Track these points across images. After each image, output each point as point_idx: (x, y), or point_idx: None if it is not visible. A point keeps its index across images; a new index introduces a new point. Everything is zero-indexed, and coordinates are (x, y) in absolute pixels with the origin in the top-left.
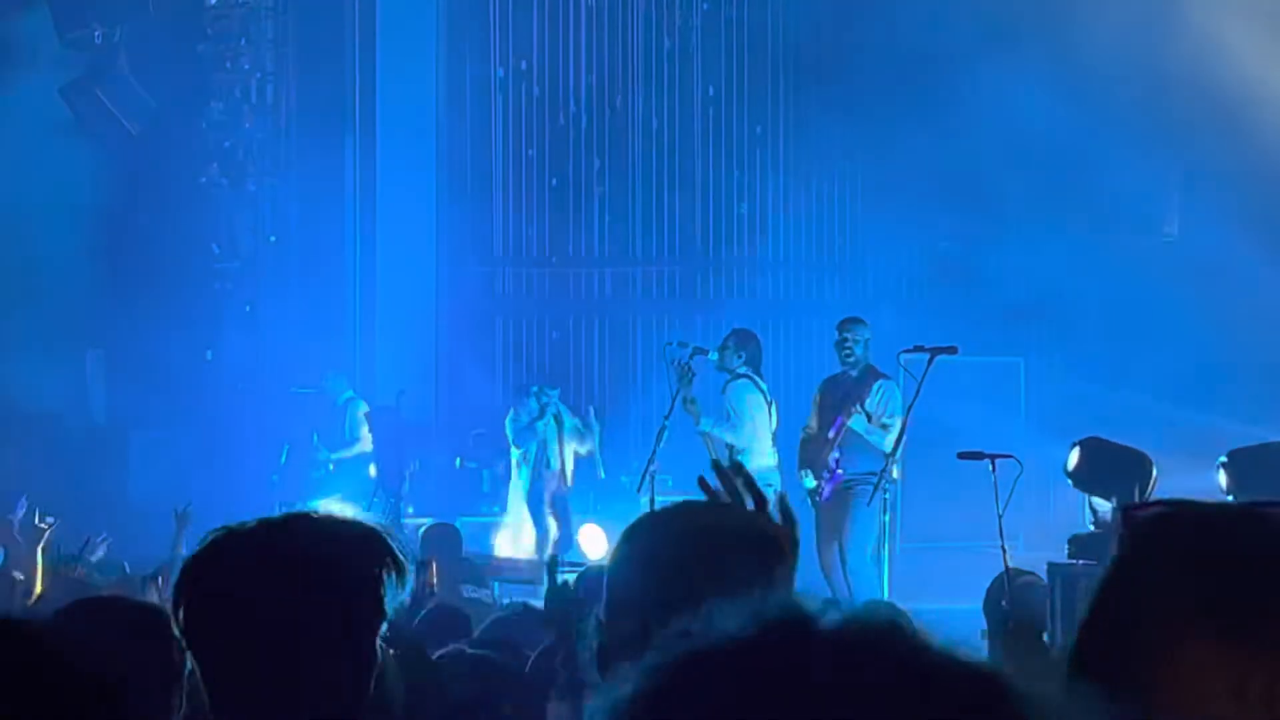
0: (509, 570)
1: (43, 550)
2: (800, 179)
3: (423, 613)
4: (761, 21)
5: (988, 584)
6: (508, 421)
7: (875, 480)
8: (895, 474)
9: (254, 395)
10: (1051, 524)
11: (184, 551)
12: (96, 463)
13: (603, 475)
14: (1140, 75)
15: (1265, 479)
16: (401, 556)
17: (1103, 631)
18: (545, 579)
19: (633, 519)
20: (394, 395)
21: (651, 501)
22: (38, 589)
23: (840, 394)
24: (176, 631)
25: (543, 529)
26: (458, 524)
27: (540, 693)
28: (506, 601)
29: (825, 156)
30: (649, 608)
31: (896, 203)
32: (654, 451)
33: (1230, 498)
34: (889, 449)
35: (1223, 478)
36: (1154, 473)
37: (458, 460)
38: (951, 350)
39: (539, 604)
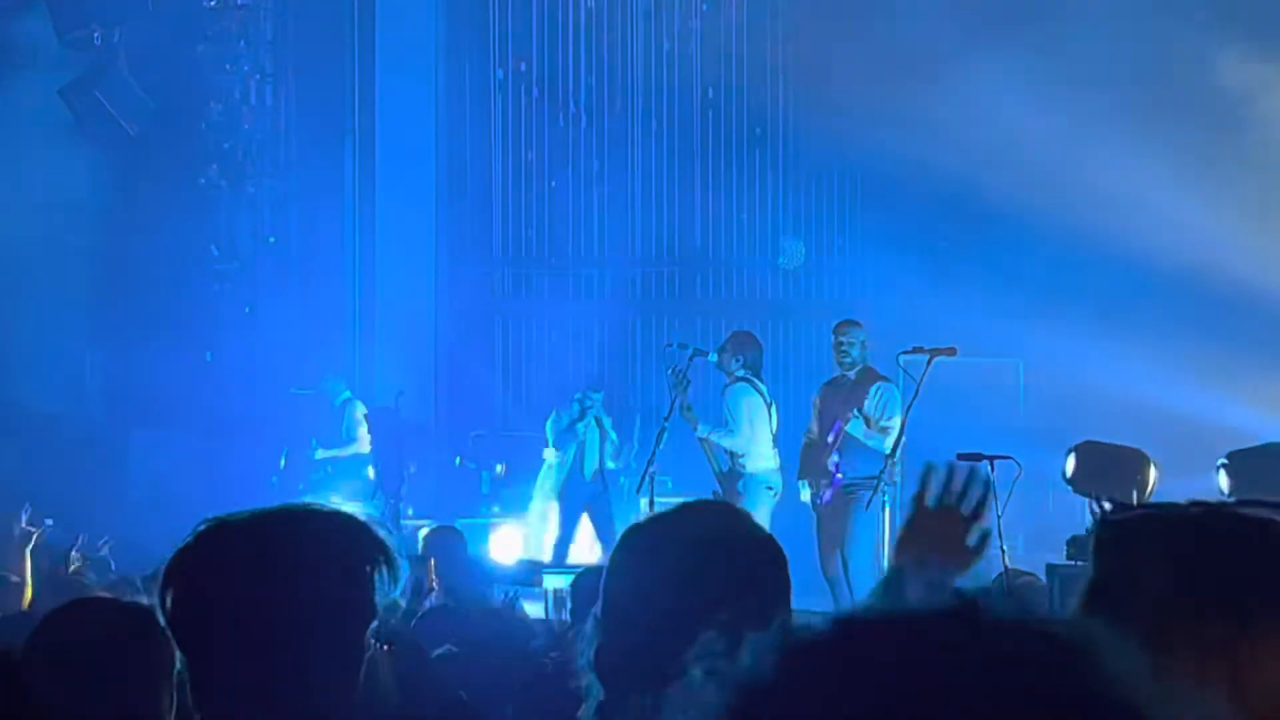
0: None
1: (31, 553)
2: (799, 180)
3: (420, 613)
4: (761, 23)
5: (987, 584)
6: (549, 423)
7: (875, 483)
8: (895, 476)
9: (253, 396)
10: (1050, 525)
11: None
12: (95, 463)
13: (623, 483)
14: (1139, 73)
15: (1266, 479)
16: (393, 551)
17: None
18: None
19: (631, 520)
20: (393, 396)
21: (651, 503)
22: (29, 593)
23: (839, 398)
24: (163, 621)
25: (566, 532)
26: (456, 525)
27: (540, 693)
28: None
29: (824, 157)
30: (654, 614)
31: (896, 203)
32: (653, 453)
33: (1232, 498)
34: (888, 450)
35: (1223, 479)
36: (1153, 469)
37: (458, 459)
38: (950, 351)
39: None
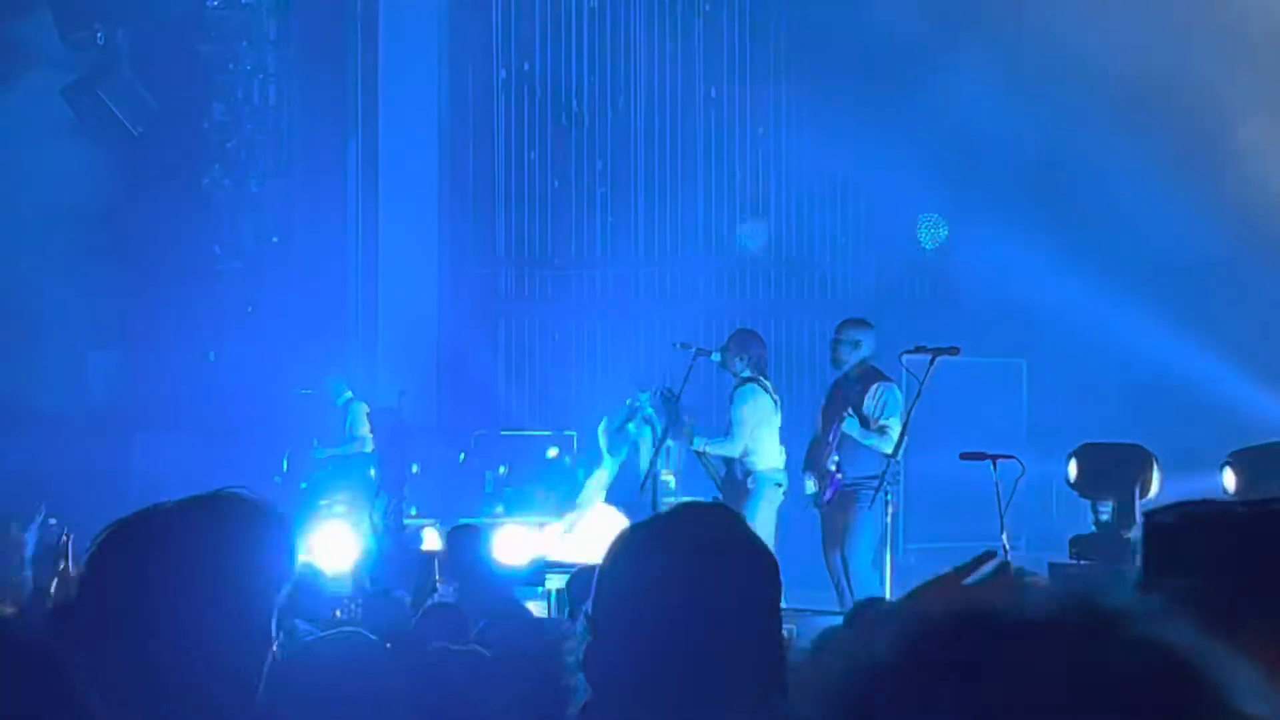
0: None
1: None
2: (802, 180)
3: (421, 611)
4: (764, 23)
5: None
6: (600, 428)
7: (877, 483)
8: (899, 475)
9: (256, 396)
10: (1053, 524)
11: None
12: (98, 462)
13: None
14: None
15: (1271, 477)
16: (293, 542)
17: None
18: None
19: (632, 520)
20: (395, 396)
21: (654, 503)
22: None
23: (840, 397)
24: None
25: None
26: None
27: (533, 691)
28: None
29: (827, 157)
30: (644, 616)
31: (899, 202)
32: (656, 453)
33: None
34: (890, 450)
35: (1228, 477)
36: (1155, 465)
37: (461, 455)
38: (953, 351)
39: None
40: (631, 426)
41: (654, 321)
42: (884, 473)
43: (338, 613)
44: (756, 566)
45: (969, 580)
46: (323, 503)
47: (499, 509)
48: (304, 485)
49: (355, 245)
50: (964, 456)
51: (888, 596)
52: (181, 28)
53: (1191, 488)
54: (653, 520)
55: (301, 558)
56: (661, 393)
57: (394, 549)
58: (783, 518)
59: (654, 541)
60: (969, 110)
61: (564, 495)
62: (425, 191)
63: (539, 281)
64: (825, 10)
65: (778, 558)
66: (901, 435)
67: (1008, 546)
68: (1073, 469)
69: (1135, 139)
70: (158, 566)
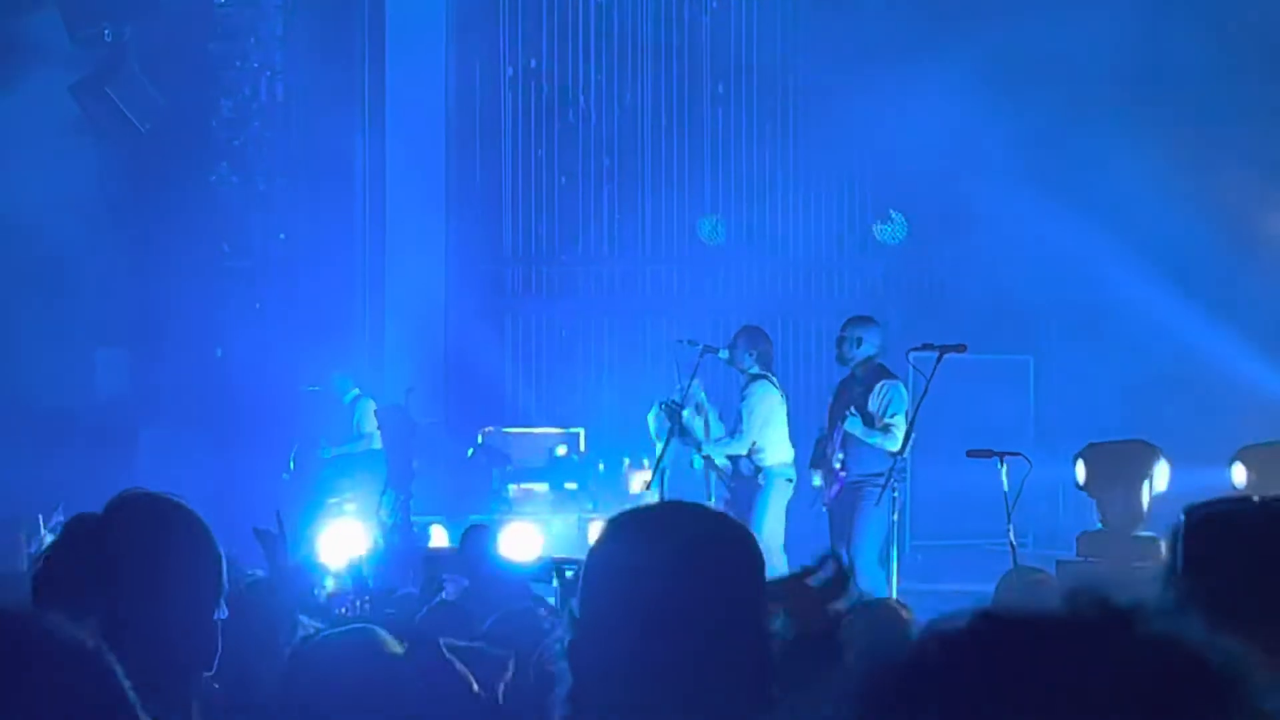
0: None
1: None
2: (809, 177)
3: (425, 609)
4: (771, 20)
5: (996, 582)
6: (650, 416)
7: (883, 480)
8: (905, 473)
9: (263, 393)
10: (1060, 522)
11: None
12: (105, 460)
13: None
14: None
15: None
16: (216, 548)
17: None
18: None
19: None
20: (402, 393)
21: (661, 500)
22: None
23: (846, 396)
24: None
25: None
26: (470, 521)
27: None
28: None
29: (833, 156)
30: (628, 608)
31: (904, 202)
32: (663, 450)
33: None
34: (896, 448)
35: (1237, 472)
36: (1160, 460)
37: (469, 451)
38: (960, 348)
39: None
40: (687, 413)
41: (661, 318)
42: (890, 470)
43: (344, 610)
44: (740, 556)
45: (811, 581)
46: (331, 500)
47: (505, 506)
48: (310, 483)
49: (362, 242)
50: (971, 454)
51: (893, 594)
52: (189, 25)
53: (1201, 483)
54: (637, 510)
55: (309, 555)
56: (665, 405)
57: (402, 546)
58: (790, 514)
59: (637, 531)
60: (971, 104)
61: (574, 491)
62: (432, 189)
63: (546, 278)
64: (833, 9)
65: (785, 554)
66: (908, 432)
67: (1015, 544)
68: (1081, 471)
69: (1138, 134)
70: (84, 569)
